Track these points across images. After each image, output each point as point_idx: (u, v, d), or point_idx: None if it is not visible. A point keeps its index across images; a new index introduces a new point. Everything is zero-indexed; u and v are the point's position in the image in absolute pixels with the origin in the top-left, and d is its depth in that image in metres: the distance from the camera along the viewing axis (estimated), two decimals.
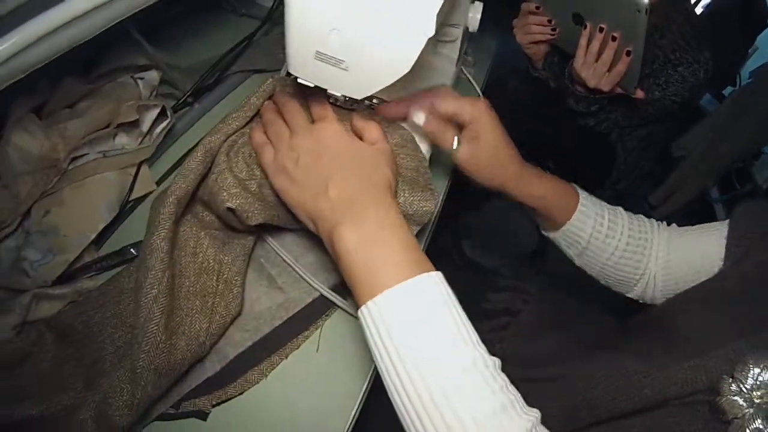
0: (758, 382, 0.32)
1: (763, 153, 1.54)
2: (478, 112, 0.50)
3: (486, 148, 0.51)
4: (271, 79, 0.54)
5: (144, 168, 0.55)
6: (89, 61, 0.58)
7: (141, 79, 0.58)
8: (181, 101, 0.61)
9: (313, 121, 0.48)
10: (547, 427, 0.33)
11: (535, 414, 0.33)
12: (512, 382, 0.35)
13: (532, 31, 0.89)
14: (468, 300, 0.38)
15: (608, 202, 0.60)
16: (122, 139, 0.54)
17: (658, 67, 0.88)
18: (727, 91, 1.76)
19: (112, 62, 0.57)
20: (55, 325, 0.45)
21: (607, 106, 0.92)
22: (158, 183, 0.57)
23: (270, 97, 0.54)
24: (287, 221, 0.51)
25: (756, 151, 1.50)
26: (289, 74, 0.64)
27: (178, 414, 0.44)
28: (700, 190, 1.39)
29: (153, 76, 0.59)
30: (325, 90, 0.49)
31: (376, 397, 0.48)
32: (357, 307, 0.37)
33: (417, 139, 0.53)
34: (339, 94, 0.48)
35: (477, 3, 0.59)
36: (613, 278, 0.61)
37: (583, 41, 0.79)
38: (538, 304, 0.70)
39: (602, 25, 0.75)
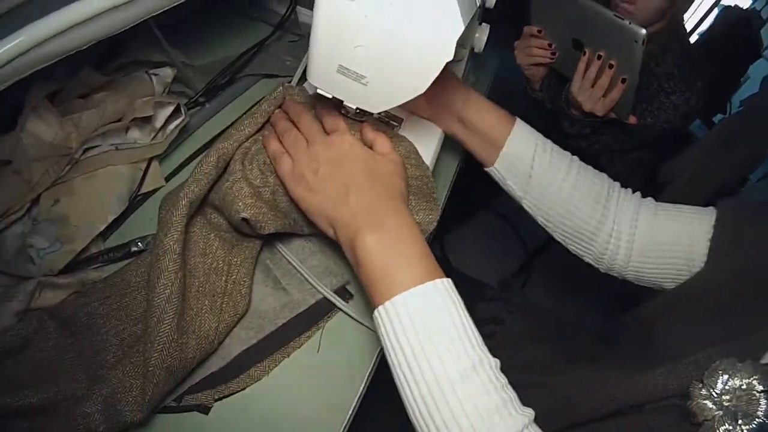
0: (727, 387, 0.35)
1: (749, 180, 1.59)
2: None
3: None
4: (281, 87, 0.56)
5: (154, 164, 0.56)
6: (106, 52, 0.58)
7: (155, 75, 0.59)
8: (193, 100, 0.62)
9: (325, 132, 0.50)
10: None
11: (529, 413, 0.36)
12: None
13: (533, 53, 0.93)
14: None
15: None
16: (134, 134, 0.55)
17: (652, 94, 0.92)
18: (718, 118, 1.83)
19: (129, 55, 0.58)
20: (58, 314, 0.45)
21: (600, 130, 0.95)
22: (167, 179, 0.57)
23: (279, 105, 0.56)
24: (297, 228, 0.52)
25: (743, 178, 1.53)
26: (299, 83, 0.66)
27: (181, 407, 0.44)
28: None
29: (167, 73, 0.60)
30: (338, 102, 0.51)
31: (373, 397, 0.50)
32: (372, 306, 0.40)
33: (420, 151, 0.56)
34: (354, 107, 0.51)
35: (484, 25, 0.63)
36: (566, 226, 0.57)
37: (581, 66, 0.82)
38: (522, 315, 0.72)
39: (600, 53, 0.79)
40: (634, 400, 0.42)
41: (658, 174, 1.26)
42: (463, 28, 0.41)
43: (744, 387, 0.34)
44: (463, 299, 0.40)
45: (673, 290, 0.54)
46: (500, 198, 1.57)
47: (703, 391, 0.36)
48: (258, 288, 0.52)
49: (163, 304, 0.42)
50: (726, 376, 0.36)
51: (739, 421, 0.33)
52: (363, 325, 0.51)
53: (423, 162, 0.55)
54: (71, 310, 0.46)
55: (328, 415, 0.46)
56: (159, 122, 0.56)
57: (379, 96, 0.47)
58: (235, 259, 0.50)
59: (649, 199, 0.58)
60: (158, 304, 0.42)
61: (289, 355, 0.49)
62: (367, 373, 0.49)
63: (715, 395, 0.35)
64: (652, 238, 0.55)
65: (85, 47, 0.43)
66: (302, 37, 0.78)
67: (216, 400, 0.45)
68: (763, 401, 0.33)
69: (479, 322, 0.40)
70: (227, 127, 0.62)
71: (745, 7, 1.75)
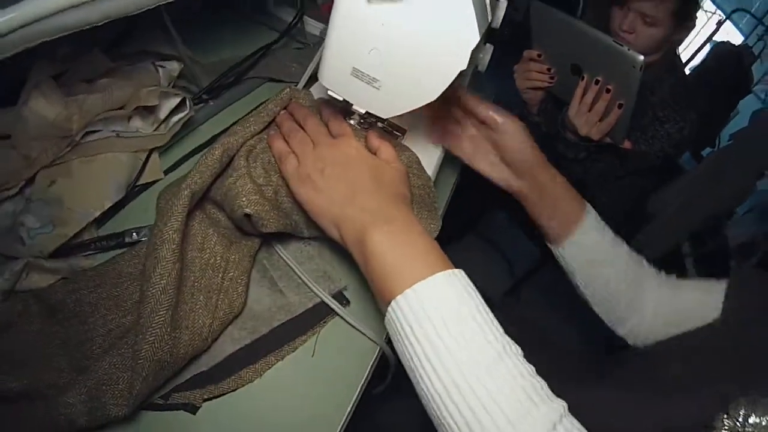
0: (751, 422, 0.35)
1: (736, 213, 1.63)
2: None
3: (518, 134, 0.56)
4: (288, 89, 0.56)
5: (154, 155, 0.55)
6: (114, 38, 0.57)
7: (162, 67, 0.58)
8: (197, 96, 0.62)
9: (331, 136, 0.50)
10: None
11: (563, 403, 0.34)
12: None
13: (532, 77, 0.95)
14: None
15: None
16: (137, 123, 0.54)
17: (647, 123, 0.95)
18: (707, 152, 1.89)
19: (137, 44, 0.57)
20: (44, 298, 0.43)
21: (594, 155, 0.98)
22: (165, 173, 0.56)
23: (285, 107, 0.56)
24: (297, 230, 0.52)
25: (730, 211, 1.58)
26: (305, 87, 0.67)
27: (168, 405, 0.42)
28: (671, 246, 1.42)
29: (174, 66, 0.59)
30: (344, 108, 0.52)
31: (366, 407, 0.48)
32: (384, 303, 0.39)
33: (423, 162, 0.56)
34: (362, 111, 0.51)
35: (489, 45, 0.65)
36: (607, 306, 0.62)
37: (579, 91, 0.85)
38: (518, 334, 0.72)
39: (598, 78, 0.82)
40: (655, 427, 0.41)
41: (647, 205, 1.30)
42: (478, 38, 0.42)
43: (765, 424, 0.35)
44: None
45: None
46: (488, 222, 1.60)
47: (727, 422, 0.36)
48: (254, 288, 0.51)
49: (158, 295, 0.40)
50: (750, 411, 0.36)
51: None
52: (359, 332, 0.50)
53: (425, 172, 0.56)
54: (59, 296, 0.44)
55: (319, 422, 0.45)
56: (163, 113, 0.55)
57: (390, 101, 0.48)
58: (233, 257, 0.49)
59: (671, 276, 0.63)
60: (153, 294, 0.40)
61: (282, 359, 0.47)
62: (362, 382, 0.49)
63: (739, 427, 0.36)
64: (672, 314, 0.59)
65: (99, 23, 0.42)
66: (307, 45, 0.78)
67: (205, 400, 0.43)
68: None
69: None
70: (230, 126, 0.61)
71: (737, 44, 1.84)
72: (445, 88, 0.46)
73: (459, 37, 0.42)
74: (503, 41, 0.92)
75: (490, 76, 0.96)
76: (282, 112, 0.55)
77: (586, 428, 0.33)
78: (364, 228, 0.41)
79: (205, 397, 0.43)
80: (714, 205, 1.26)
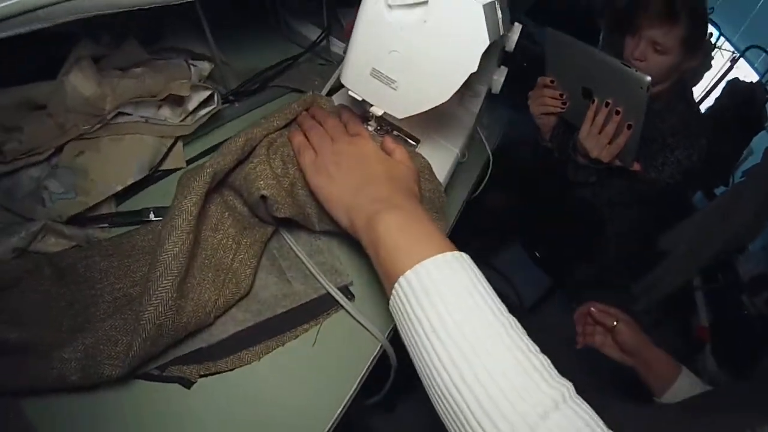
0: None
1: (748, 248, 1.60)
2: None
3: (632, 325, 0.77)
4: (312, 92, 0.59)
5: (179, 143, 0.57)
6: (151, 34, 0.61)
7: (194, 65, 0.62)
8: (224, 96, 0.65)
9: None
10: None
11: (569, 383, 0.34)
12: None
13: (545, 102, 0.99)
14: None
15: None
16: (165, 112, 0.56)
17: (657, 149, 0.97)
18: (720, 191, 1.87)
19: (171, 41, 0.61)
20: (56, 261, 0.44)
21: (605, 180, 0.99)
22: (187, 163, 0.58)
23: (307, 109, 0.58)
24: (309, 223, 0.53)
25: (742, 247, 1.55)
26: (329, 93, 0.70)
27: (163, 377, 0.42)
28: (682, 283, 1.40)
29: (205, 66, 0.63)
30: (362, 115, 0.56)
31: (363, 402, 0.47)
32: (390, 284, 0.39)
33: (434, 168, 0.58)
34: (380, 112, 0.54)
35: (502, 67, 0.68)
36: None
37: (589, 114, 0.87)
38: None
39: (608, 100, 0.84)
40: None
41: (659, 241, 1.28)
42: (488, 43, 0.45)
43: None
44: None
45: None
46: (497, 254, 1.60)
47: None
48: (262, 275, 0.51)
49: (168, 260, 0.41)
50: None
51: None
52: (362, 326, 0.50)
53: (436, 178, 0.57)
54: (70, 260, 0.44)
55: (314, 411, 0.44)
56: (192, 105, 0.57)
57: (405, 102, 0.51)
58: (245, 240, 0.50)
59: None
60: (164, 260, 0.41)
61: (283, 344, 0.47)
62: (361, 375, 0.48)
63: None
64: None
65: (146, 6, 0.45)
66: (331, 63, 0.83)
67: (201, 376, 0.43)
68: None
69: None
70: None
71: (752, 80, 1.83)
72: (456, 89, 0.48)
73: (470, 42, 0.45)
74: (523, 73, 0.96)
75: (503, 105, 1.00)
76: (304, 113, 0.58)
77: None
78: (374, 213, 0.42)
79: (202, 373, 0.43)
80: (726, 242, 1.24)
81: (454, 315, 0.35)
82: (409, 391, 0.71)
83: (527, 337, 0.36)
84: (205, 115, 0.59)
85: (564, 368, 0.34)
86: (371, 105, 0.54)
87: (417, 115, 0.53)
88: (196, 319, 0.43)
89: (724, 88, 1.88)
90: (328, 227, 0.53)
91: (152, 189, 0.55)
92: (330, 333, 0.50)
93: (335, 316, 0.51)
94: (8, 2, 0.34)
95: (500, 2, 0.50)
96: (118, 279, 0.45)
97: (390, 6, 0.45)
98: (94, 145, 0.49)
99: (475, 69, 0.46)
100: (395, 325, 0.40)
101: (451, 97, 0.50)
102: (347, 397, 0.46)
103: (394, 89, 0.50)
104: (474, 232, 1.23)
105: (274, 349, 0.46)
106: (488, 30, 0.44)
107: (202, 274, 0.45)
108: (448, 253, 0.38)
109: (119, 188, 0.49)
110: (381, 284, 0.43)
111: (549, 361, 0.34)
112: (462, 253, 0.39)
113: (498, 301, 0.37)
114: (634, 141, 0.85)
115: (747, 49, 2.09)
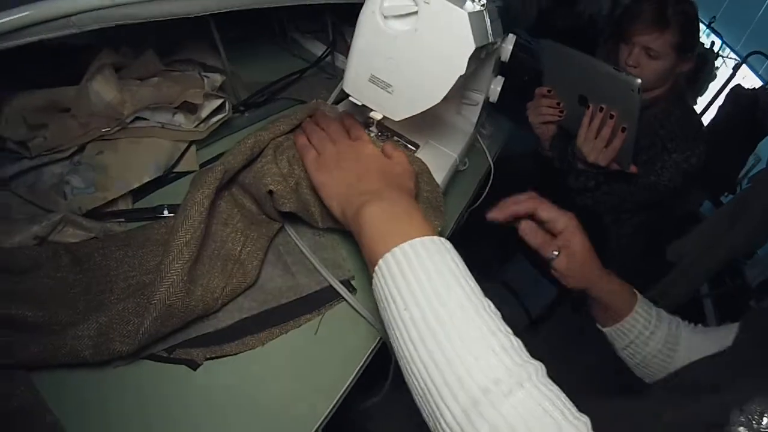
0: (763, 424, 0.34)
1: (756, 253, 1.60)
2: (568, 223, 0.59)
3: (577, 256, 0.60)
4: (316, 100, 0.64)
5: (193, 148, 0.61)
6: (167, 46, 0.66)
7: (206, 77, 0.66)
8: (235, 106, 0.69)
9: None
10: None
11: (538, 365, 0.35)
12: None
13: (544, 112, 1.03)
14: None
15: None
16: (180, 118, 0.60)
17: (656, 154, 0.99)
18: (726, 199, 1.88)
19: (188, 54, 0.65)
20: (74, 250, 0.47)
21: (604, 186, 1.01)
22: (200, 167, 0.61)
23: (311, 116, 0.62)
24: (312, 220, 0.56)
25: (750, 252, 1.54)
26: (333, 104, 0.74)
27: (171, 359, 0.44)
28: (690, 293, 1.40)
29: (217, 78, 0.67)
30: (364, 118, 0.59)
31: (360, 391, 0.49)
32: (372, 267, 0.41)
33: (432, 171, 0.61)
34: (379, 116, 0.57)
35: (499, 77, 0.71)
36: (645, 371, 0.65)
37: (585, 119, 0.90)
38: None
39: (603, 105, 0.87)
40: (668, 427, 0.40)
41: (666, 254, 1.28)
42: (474, 47, 0.48)
43: None
44: None
45: None
46: (502, 266, 1.60)
47: (743, 419, 0.36)
48: (268, 269, 0.53)
49: (180, 246, 0.43)
50: (765, 410, 0.35)
51: None
52: (363, 317, 0.52)
53: (434, 180, 0.60)
54: (87, 249, 0.47)
55: (313, 396, 0.46)
56: (205, 112, 0.61)
57: (401, 105, 0.55)
58: (253, 234, 0.53)
59: (697, 325, 0.66)
60: (176, 246, 0.43)
61: (286, 332, 0.49)
62: (360, 364, 0.49)
63: (754, 427, 0.35)
64: (691, 354, 0.61)
65: (168, 18, 0.50)
66: (335, 77, 0.87)
67: (207, 359, 0.45)
68: None
69: None
70: None
71: (755, 86, 1.85)
72: (447, 91, 0.52)
73: (458, 47, 0.49)
74: (524, 87, 1.00)
75: (504, 116, 1.03)
76: (308, 119, 0.61)
77: None
78: (362, 204, 0.45)
79: (208, 356, 0.45)
80: (733, 248, 1.23)
81: (428, 294, 0.36)
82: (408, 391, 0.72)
83: (501, 320, 0.37)
84: (216, 122, 0.62)
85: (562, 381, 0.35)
86: (371, 110, 0.57)
87: (417, 121, 0.56)
88: (204, 303, 0.45)
89: (727, 95, 1.91)
90: (330, 224, 0.56)
91: (167, 189, 0.58)
92: (332, 324, 0.51)
93: (337, 308, 0.53)
94: (49, 6, 0.38)
95: (489, 13, 0.54)
96: (132, 268, 0.48)
97: (385, 16, 0.49)
98: (114, 145, 0.53)
99: (463, 71, 0.50)
100: None
101: (450, 106, 0.54)
102: (347, 384, 0.47)
103: (390, 93, 0.54)
104: (477, 245, 1.25)
105: (278, 336, 0.48)
106: (474, 35, 0.48)
107: (212, 262, 0.48)
108: (426, 237, 0.40)
109: (136, 185, 0.52)
110: None
111: (521, 342, 0.36)
112: (442, 238, 0.41)
113: (474, 284, 0.39)
114: (630, 143, 0.88)
115: (749, 55, 2.11)
